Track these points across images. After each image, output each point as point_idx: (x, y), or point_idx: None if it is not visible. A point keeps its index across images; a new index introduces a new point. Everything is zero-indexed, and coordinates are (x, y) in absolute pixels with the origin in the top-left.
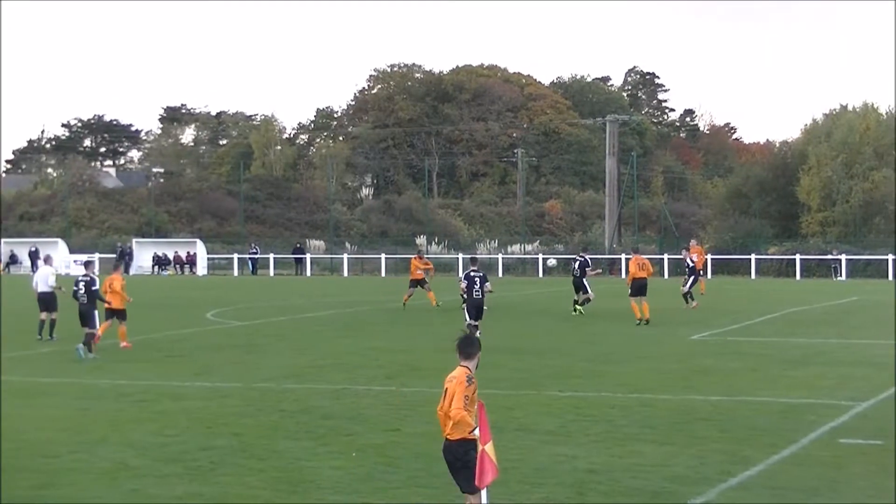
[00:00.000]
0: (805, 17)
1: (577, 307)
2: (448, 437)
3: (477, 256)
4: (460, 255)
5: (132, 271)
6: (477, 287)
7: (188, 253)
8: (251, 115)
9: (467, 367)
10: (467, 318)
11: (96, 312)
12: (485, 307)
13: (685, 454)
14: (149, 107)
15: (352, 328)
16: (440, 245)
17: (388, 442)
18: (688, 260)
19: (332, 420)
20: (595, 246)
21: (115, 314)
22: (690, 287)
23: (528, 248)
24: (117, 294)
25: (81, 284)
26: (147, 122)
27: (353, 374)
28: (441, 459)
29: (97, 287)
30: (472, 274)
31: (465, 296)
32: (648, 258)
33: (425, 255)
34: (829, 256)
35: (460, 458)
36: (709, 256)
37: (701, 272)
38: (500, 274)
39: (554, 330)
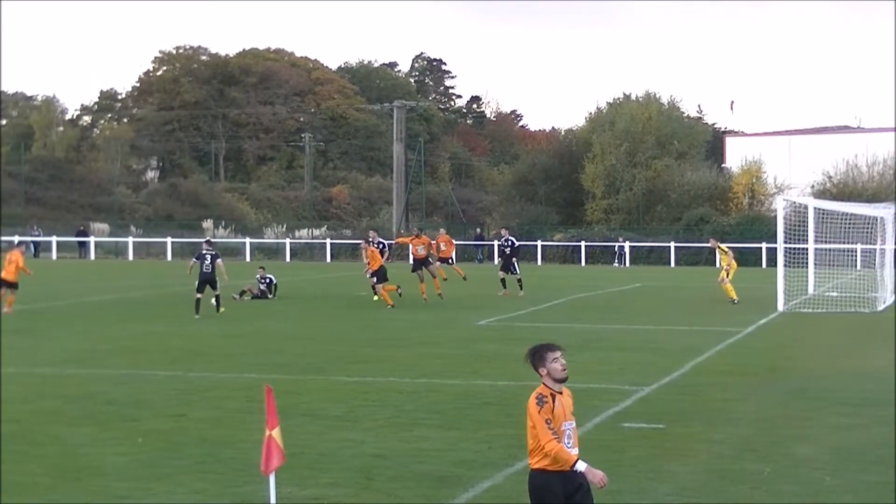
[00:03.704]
0: (588, 11)
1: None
2: (544, 468)
3: (211, 239)
4: (248, 240)
5: None
6: (207, 263)
7: None
8: (32, 96)
9: (543, 384)
10: (196, 293)
11: None
12: (218, 281)
13: (471, 439)
14: None
15: (135, 313)
16: (227, 229)
17: (173, 427)
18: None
19: (115, 406)
20: (382, 231)
21: None
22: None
23: (316, 232)
24: None
25: None
26: None
27: (137, 360)
28: (226, 444)
29: None
30: (203, 252)
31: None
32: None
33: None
34: (613, 243)
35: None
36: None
37: (451, 260)
38: (288, 259)
39: (338, 315)
